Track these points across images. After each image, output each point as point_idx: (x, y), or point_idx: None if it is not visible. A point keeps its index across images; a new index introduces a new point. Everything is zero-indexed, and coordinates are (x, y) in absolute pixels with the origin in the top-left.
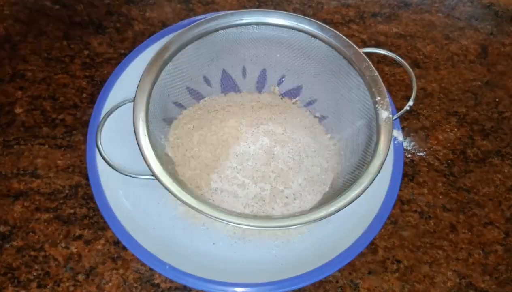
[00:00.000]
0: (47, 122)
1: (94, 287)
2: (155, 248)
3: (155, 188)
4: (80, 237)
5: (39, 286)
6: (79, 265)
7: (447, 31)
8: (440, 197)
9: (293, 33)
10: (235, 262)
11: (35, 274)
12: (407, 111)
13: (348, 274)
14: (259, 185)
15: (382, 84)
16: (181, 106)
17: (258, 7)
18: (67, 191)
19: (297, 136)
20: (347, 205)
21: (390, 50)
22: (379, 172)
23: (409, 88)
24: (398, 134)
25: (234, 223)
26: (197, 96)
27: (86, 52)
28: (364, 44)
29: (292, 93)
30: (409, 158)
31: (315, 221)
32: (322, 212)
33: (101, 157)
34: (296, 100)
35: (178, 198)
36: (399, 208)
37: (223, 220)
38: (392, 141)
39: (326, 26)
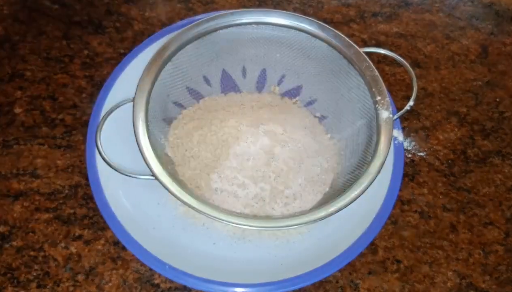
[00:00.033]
0: (46, 122)
1: (94, 287)
2: (155, 248)
3: (155, 188)
4: (80, 237)
5: (38, 286)
6: (79, 265)
7: (447, 30)
8: (441, 197)
9: (293, 33)
10: (235, 262)
11: (34, 274)
12: (407, 111)
13: (348, 274)
14: (259, 185)
15: (383, 84)
16: (181, 106)
17: (258, 6)
18: (66, 191)
19: (297, 137)
20: (347, 205)
21: (391, 50)
22: (379, 172)
23: (410, 88)
24: (398, 134)
25: (234, 223)
26: (197, 96)
27: (85, 52)
28: (365, 43)
29: (292, 93)
30: (409, 158)
31: (315, 221)
32: (322, 212)
33: (100, 157)
34: (296, 100)
35: (178, 198)
36: (399, 208)
37: (223, 220)
38: (392, 141)
39: (327, 25)
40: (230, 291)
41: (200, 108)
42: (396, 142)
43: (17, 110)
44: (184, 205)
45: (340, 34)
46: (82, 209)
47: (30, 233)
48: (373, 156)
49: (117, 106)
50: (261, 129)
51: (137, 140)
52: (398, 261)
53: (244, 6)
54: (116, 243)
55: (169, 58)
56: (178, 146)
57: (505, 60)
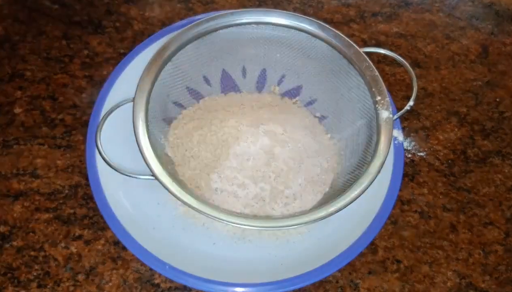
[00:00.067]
0: (46, 122)
1: (94, 287)
2: (155, 248)
3: (155, 188)
4: (80, 237)
5: (39, 286)
6: (79, 265)
7: (447, 30)
8: (440, 197)
9: (293, 33)
10: (235, 262)
11: (35, 274)
12: (407, 111)
13: (348, 274)
14: (259, 185)
15: (383, 84)
16: (181, 106)
17: (258, 6)
18: (66, 191)
19: (297, 136)
20: (347, 205)
21: (391, 50)
22: (379, 172)
23: (410, 88)
24: (398, 134)
25: (234, 223)
26: (197, 96)
27: (85, 52)
28: (365, 43)
29: (292, 93)
30: (409, 158)
31: (315, 221)
32: (322, 212)
33: (100, 157)
34: (296, 100)
35: (178, 198)
36: (399, 208)
37: (223, 220)
38: (392, 141)
39: (327, 25)
40: (230, 291)
41: (200, 108)
42: (396, 142)
43: (17, 110)
44: (184, 205)
45: (340, 34)
46: (82, 209)
47: (30, 233)
48: (373, 156)
49: (117, 106)
50: (261, 129)
51: (137, 140)
52: (398, 261)
53: (244, 6)
54: (116, 243)
55: (169, 58)
56: (178, 146)
57: (505, 60)
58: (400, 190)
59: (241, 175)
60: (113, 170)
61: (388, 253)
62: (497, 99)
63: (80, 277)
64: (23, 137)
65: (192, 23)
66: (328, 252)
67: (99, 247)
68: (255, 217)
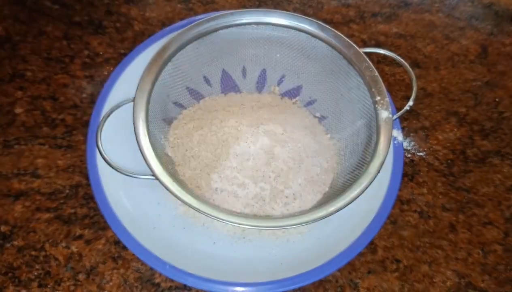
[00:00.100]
0: (47, 122)
1: (94, 287)
2: (155, 247)
3: (155, 188)
4: (80, 236)
5: (40, 285)
6: (80, 264)
7: (447, 31)
8: (440, 196)
9: (293, 33)
10: (235, 261)
11: (36, 273)
12: (407, 111)
13: (348, 274)
14: (259, 185)
15: (382, 84)
16: (181, 106)
17: (258, 6)
18: (67, 191)
19: (297, 137)
20: (346, 205)
21: (390, 50)
22: (378, 172)
23: (409, 88)
24: (398, 134)
25: (234, 222)
26: (197, 96)
27: (86, 52)
28: (364, 44)
29: (292, 93)
30: (409, 157)
31: (315, 220)
32: (322, 212)
33: (101, 157)
34: (296, 100)
35: (178, 198)
36: (399, 208)
37: (223, 219)
38: (392, 141)
39: (326, 26)
40: (230, 290)
41: (200, 108)
42: (395, 142)
43: (18, 110)
44: (184, 205)
45: (340, 34)
46: (83, 208)
47: (31, 233)
48: (372, 155)
49: (117, 106)
50: (261, 129)
51: (137, 141)
52: (398, 261)
53: (244, 6)
54: (117, 242)
55: (169, 59)
56: (178, 146)
57: (504, 60)
58: (400, 190)
59: (241, 175)
60: (113, 170)
61: (388, 252)
62: (497, 100)
63: (81, 276)
64: (24, 137)
65: (192, 24)
66: (328, 251)
67: (100, 246)
68: (255, 216)
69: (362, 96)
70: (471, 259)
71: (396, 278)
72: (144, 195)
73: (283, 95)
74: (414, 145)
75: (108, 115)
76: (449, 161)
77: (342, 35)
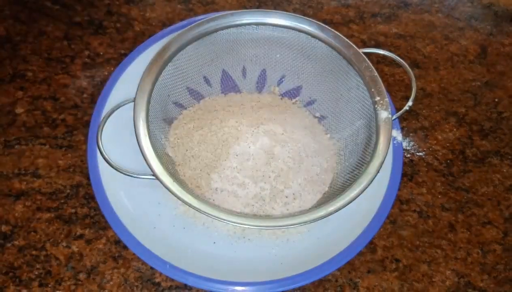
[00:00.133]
0: (48, 122)
1: (95, 286)
2: (155, 247)
3: (155, 188)
4: (81, 236)
5: (40, 285)
6: (80, 264)
7: (446, 31)
8: (439, 196)
9: (293, 34)
10: (235, 261)
11: (36, 273)
12: (406, 111)
13: (348, 273)
14: (259, 185)
15: (382, 84)
16: (181, 106)
17: (258, 7)
18: (68, 191)
19: (297, 136)
20: (346, 205)
21: (390, 51)
22: (378, 171)
23: (409, 89)
24: (397, 134)
25: (234, 222)
26: (197, 96)
27: (86, 52)
28: (364, 44)
29: (292, 94)
30: (408, 157)
31: (314, 220)
32: (322, 212)
33: (102, 157)
34: (296, 101)
35: (179, 198)
36: (398, 208)
37: (223, 219)
38: (391, 141)
39: (326, 26)
40: (230, 290)
41: (200, 109)
42: (395, 142)
43: (19, 110)
44: (185, 205)
45: (340, 34)
46: (84, 208)
47: (32, 233)
48: (372, 155)
49: (118, 106)
50: (261, 129)
51: (138, 141)
52: (397, 260)
53: (244, 7)
54: (117, 242)
55: (169, 59)
56: (178, 146)
57: (504, 60)
58: (399, 190)
59: (241, 175)
60: (114, 170)
61: (387, 252)
62: (496, 100)
63: (81, 276)
64: (25, 137)
65: (193, 24)
66: (328, 251)
67: (100, 246)
68: (255, 216)
69: (362, 96)
70: (470, 258)
71: (395, 277)
72: (145, 194)
73: (283, 95)
74: (413, 145)
75: (109, 116)
76: (448, 161)
77: (342, 36)
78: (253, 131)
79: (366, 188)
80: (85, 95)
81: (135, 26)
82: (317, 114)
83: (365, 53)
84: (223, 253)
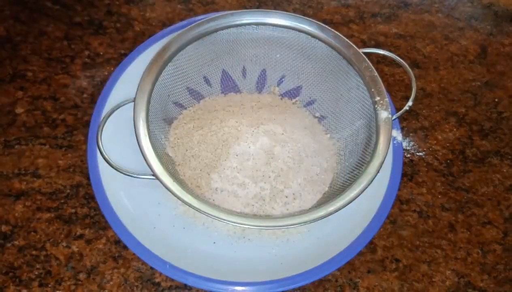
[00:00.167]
0: (48, 122)
1: (95, 286)
2: (155, 247)
3: (155, 188)
4: (81, 236)
5: (40, 285)
6: (80, 264)
7: (446, 31)
8: (439, 196)
9: (293, 34)
10: (235, 261)
11: (36, 273)
12: (406, 111)
13: (348, 273)
14: (259, 185)
15: (382, 84)
16: (181, 106)
17: (258, 7)
18: (68, 191)
19: (297, 136)
20: (346, 205)
21: (390, 51)
22: (378, 171)
23: (409, 89)
24: (397, 134)
25: (234, 222)
26: (197, 96)
27: (86, 52)
28: (364, 44)
29: (292, 94)
30: (408, 157)
31: (314, 220)
32: (322, 212)
33: (102, 157)
34: (296, 101)
35: (179, 198)
36: (398, 208)
37: (223, 219)
38: (391, 141)
39: (326, 26)
40: (230, 290)
41: (200, 109)
42: (395, 142)
43: (19, 110)
44: (185, 204)
45: (340, 34)
46: (84, 208)
47: (32, 233)
48: (372, 155)
49: (118, 106)
50: (261, 129)
51: (138, 140)
52: (397, 260)
53: (244, 7)
54: (117, 242)
55: (169, 59)
56: (178, 146)
57: (503, 60)
58: (399, 190)
59: (241, 175)
60: (114, 170)
61: (387, 252)
62: (496, 100)
63: (81, 276)
64: (25, 137)
65: (193, 24)
66: (328, 251)
67: (100, 246)
68: (255, 216)
69: (362, 96)
70: (470, 258)
71: (395, 277)
72: (145, 194)
73: (283, 95)
74: (413, 145)
75: (109, 116)
76: (448, 161)
77: (342, 36)
78: (253, 131)
79: (366, 188)
80: (85, 95)
81: (135, 26)
82: (317, 114)
83: (365, 53)
84: (223, 253)
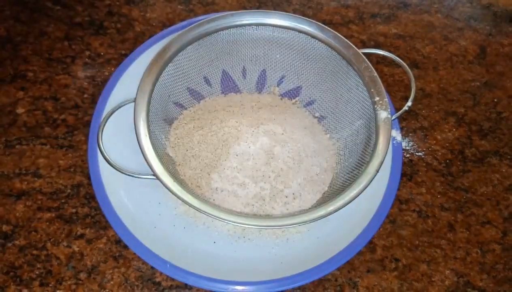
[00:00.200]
0: (48, 122)
1: (96, 286)
2: (156, 246)
3: (156, 188)
4: (82, 236)
5: (41, 284)
6: (81, 263)
7: (446, 31)
8: (438, 196)
9: (292, 34)
10: (235, 260)
11: (37, 272)
12: (405, 111)
13: (347, 273)
14: (259, 185)
15: (381, 84)
16: (181, 106)
17: (258, 8)
18: (69, 191)
19: (297, 136)
20: (346, 205)
21: (389, 51)
22: (377, 171)
23: (408, 89)
24: (396, 134)
25: (234, 222)
26: (198, 96)
27: (87, 52)
28: (364, 44)
29: (291, 94)
30: (407, 157)
31: (314, 220)
32: (321, 211)
33: (102, 157)
34: (296, 101)
35: (179, 198)
36: (398, 207)
37: (224, 219)
38: (391, 141)
39: (326, 27)
40: (230, 289)
41: (200, 109)
42: (394, 142)
43: (20, 110)
44: (185, 204)
45: (339, 35)
46: (84, 208)
47: (33, 232)
48: (371, 155)
49: (118, 106)
50: (261, 129)
51: (138, 141)
52: (397, 260)
53: (244, 8)
54: (118, 241)
55: (170, 59)
56: (179, 146)
57: (503, 61)
58: (399, 190)
59: (241, 175)
60: (114, 170)
61: (387, 251)
62: (495, 100)
63: (82, 275)
64: (26, 137)
65: (193, 25)
66: (327, 250)
67: (101, 245)
68: (255, 216)
69: (361, 96)
70: (469, 258)
71: (395, 277)
72: (145, 194)
73: (283, 95)
74: (413, 145)
75: (109, 116)
76: (447, 161)
77: (342, 36)
78: (253, 131)
79: (366, 187)
80: (85, 96)
81: (135, 26)
82: (317, 115)
83: (365, 54)
84: (223, 252)
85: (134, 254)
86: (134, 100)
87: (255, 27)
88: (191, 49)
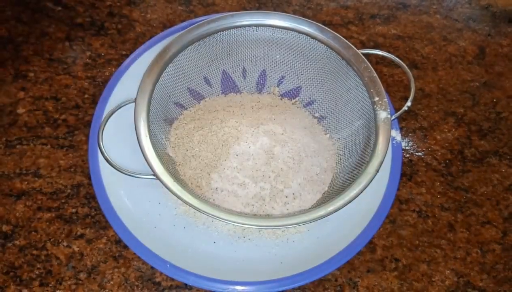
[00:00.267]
0: (49, 122)
1: (95, 286)
2: (156, 246)
3: (156, 188)
4: (82, 236)
5: (41, 284)
6: (81, 263)
7: (445, 32)
8: (438, 196)
9: (292, 35)
10: (235, 260)
11: (37, 272)
12: (405, 111)
13: (347, 273)
14: (259, 185)
15: (381, 85)
16: (182, 106)
17: (258, 8)
18: (69, 191)
19: (297, 137)
20: (346, 205)
21: (389, 51)
22: (377, 171)
23: (408, 89)
24: (396, 134)
25: (234, 222)
26: (198, 96)
27: (88, 53)
28: (363, 45)
29: (291, 94)
30: (407, 157)
31: (314, 220)
32: (321, 211)
33: (102, 157)
34: (296, 101)
35: (179, 198)
36: (398, 207)
37: (224, 219)
38: (390, 141)
39: (325, 27)
40: (230, 289)
41: (200, 109)
42: (394, 142)
43: (20, 110)
44: (185, 204)
45: (339, 36)
46: (84, 208)
47: (33, 232)
48: (371, 155)
49: (119, 107)
50: (261, 130)
51: (138, 141)
52: (397, 260)
53: (244, 8)
54: (118, 241)
55: (170, 60)
56: (179, 146)
57: (502, 61)
58: (398, 190)
59: (241, 175)
60: (115, 170)
61: (387, 251)
62: (494, 100)
63: (82, 275)
64: (26, 137)
65: (193, 25)
66: (327, 250)
67: (101, 245)
68: (255, 216)
69: (361, 96)
70: (469, 258)
71: (395, 277)
72: (145, 194)
73: (282, 96)
74: (412, 145)
75: (110, 116)
76: (447, 161)
77: (341, 37)
78: (253, 131)
79: (366, 187)
80: (86, 96)
81: (136, 27)
82: (317, 115)
83: (364, 54)
84: (223, 252)
85: (134, 254)
86: (135, 101)
87: (255, 28)
88: (192, 49)
